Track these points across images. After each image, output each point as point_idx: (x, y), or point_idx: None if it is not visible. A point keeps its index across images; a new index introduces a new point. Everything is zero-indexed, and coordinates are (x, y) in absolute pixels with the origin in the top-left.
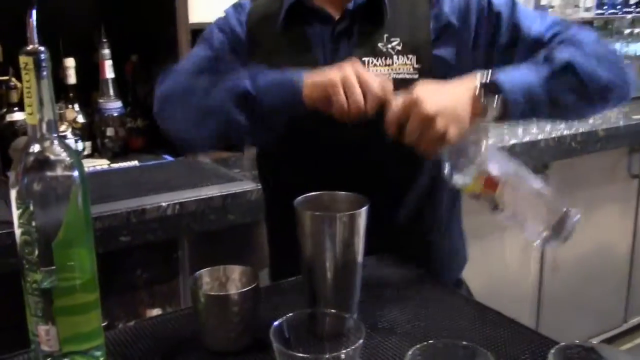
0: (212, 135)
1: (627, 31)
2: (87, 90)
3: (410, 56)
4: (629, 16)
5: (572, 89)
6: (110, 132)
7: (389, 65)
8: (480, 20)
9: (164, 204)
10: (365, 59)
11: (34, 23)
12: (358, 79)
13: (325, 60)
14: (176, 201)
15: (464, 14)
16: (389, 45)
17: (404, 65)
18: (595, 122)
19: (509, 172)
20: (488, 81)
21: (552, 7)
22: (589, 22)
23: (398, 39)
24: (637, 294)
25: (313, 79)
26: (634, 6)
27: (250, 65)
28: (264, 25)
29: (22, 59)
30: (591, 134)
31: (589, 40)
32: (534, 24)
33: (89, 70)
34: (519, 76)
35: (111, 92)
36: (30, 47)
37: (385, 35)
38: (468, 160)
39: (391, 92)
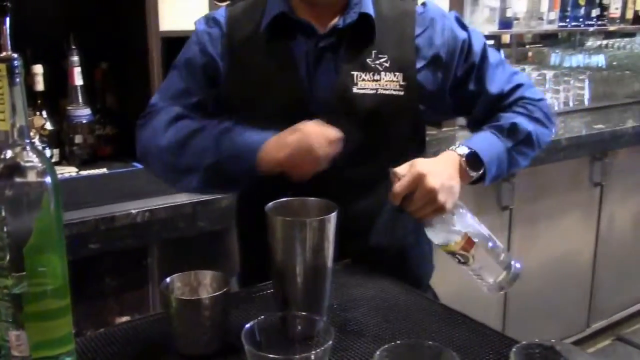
0: (199, 187)
1: (589, 43)
2: (56, 97)
3: (397, 74)
4: (591, 29)
5: (528, 155)
6: (78, 139)
7: (376, 80)
8: (460, 62)
9: (133, 211)
10: (354, 73)
11: (7, 30)
12: (311, 145)
13: (308, 72)
14: (146, 208)
15: (451, 51)
16: (377, 62)
17: (391, 81)
18: (559, 131)
19: (480, 234)
20: (470, 154)
21: (517, 19)
22: (552, 35)
23: (386, 57)
24: (600, 299)
25: (268, 154)
26: (595, 19)
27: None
28: (244, 36)
29: None
30: (555, 143)
31: (539, 98)
32: (496, 80)
33: (58, 77)
34: (492, 148)
35: (80, 99)
36: (3, 54)
37: (374, 52)
38: (451, 224)
39: (336, 149)
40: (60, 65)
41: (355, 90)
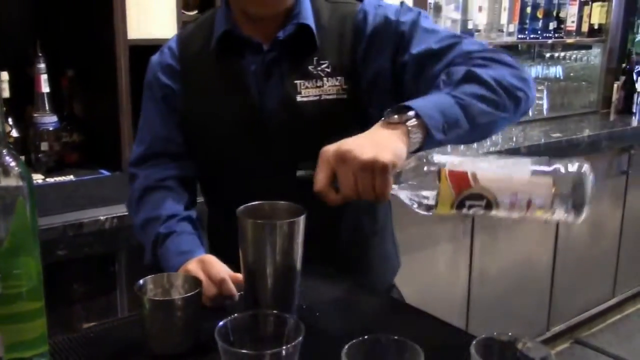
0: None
1: (548, 55)
2: (22, 104)
3: (339, 78)
4: (549, 41)
5: (481, 96)
6: (44, 146)
7: (319, 87)
8: (390, 40)
9: (102, 217)
10: (297, 82)
11: None
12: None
13: (258, 87)
14: (114, 215)
15: (381, 33)
16: (319, 68)
17: (334, 86)
18: (518, 140)
19: (474, 161)
20: (395, 108)
21: (478, 31)
22: (512, 46)
23: (327, 62)
24: (559, 302)
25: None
26: (552, 32)
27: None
28: (195, 57)
29: None
30: (515, 151)
31: (481, 48)
32: (423, 41)
33: (24, 84)
34: (426, 98)
35: (47, 106)
36: None
37: (315, 59)
38: (422, 179)
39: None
40: (25, 72)
41: (299, 98)
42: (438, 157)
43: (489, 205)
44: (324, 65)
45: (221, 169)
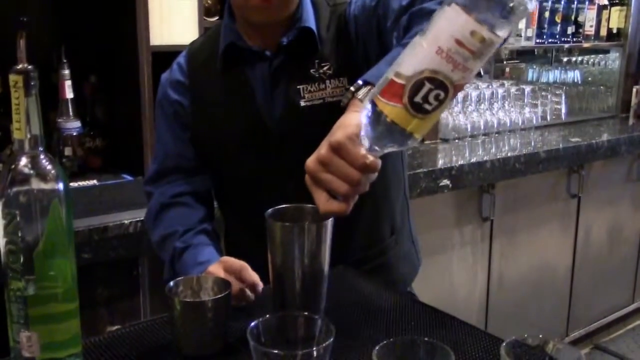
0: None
1: (565, 59)
2: (45, 109)
3: (341, 78)
4: (567, 45)
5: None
6: (68, 151)
7: (322, 89)
8: (372, 22)
9: (126, 221)
10: (300, 86)
11: (24, 44)
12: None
13: (265, 96)
14: (138, 219)
15: (364, 22)
16: (321, 70)
17: (337, 87)
18: (537, 144)
19: (388, 69)
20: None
21: None
22: (529, 51)
23: (328, 64)
24: (578, 308)
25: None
26: (570, 36)
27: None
28: (203, 70)
29: (12, 78)
30: (533, 156)
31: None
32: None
33: (48, 90)
34: (380, 65)
35: (70, 111)
36: (20, 66)
37: (317, 61)
38: (372, 123)
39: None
40: (49, 78)
41: (303, 103)
42: (363, 95)
43: (441, 84)
44: (325, 68)
45: (232, 179)
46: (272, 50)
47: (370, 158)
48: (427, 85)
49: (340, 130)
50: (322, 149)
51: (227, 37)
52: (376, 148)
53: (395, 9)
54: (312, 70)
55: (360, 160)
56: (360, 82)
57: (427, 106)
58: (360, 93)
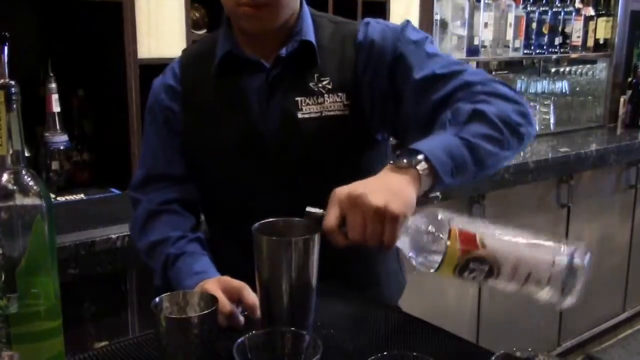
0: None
1: (553, 70)
2: (32, 123)
3: (340, 94)
4: (554, 56)
5: (487, 136)
6: (55, 165)
7: (320, 103)
8: (389, 58)
9: (113, 236)
10: (298, 99)
11: (5, 59)
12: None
13: (260, 106)
14: (125, 233)
15: (380, 53)
16: (320, 84)
17: (335, 102)
18: (526, 155)
19: (482, 225)
20: (405, 151)
21: (484, 46)
22: (517, 62)
23: (328, 79)
24: (570, 318)
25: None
26: (558, 47)
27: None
28: (197, 78)
29: None
30: (522, 166)
31: (483, 79)
32: (424, 66)
33: (35, 104)
34: (433, 139)
35: (57, 125)
36: (1, 81)
37: (316, 75)
38: (430, 236)
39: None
40: (37, 92)
41: (300, 115)
42: (447, 215)
43: (490, 272)
44: (325, 82)
45: (222, 188)
46: (269, 62)
47: (396, 244)
48: (484, 267)
49: (400, 202)
50: (376, 199)
51: (224, 45)
52: (403, 242)
53: (437, 74)
54: (311, 84)
55: (392, 240)
56: (420, 157)
57: (465, 273)
58: (420, 167)
